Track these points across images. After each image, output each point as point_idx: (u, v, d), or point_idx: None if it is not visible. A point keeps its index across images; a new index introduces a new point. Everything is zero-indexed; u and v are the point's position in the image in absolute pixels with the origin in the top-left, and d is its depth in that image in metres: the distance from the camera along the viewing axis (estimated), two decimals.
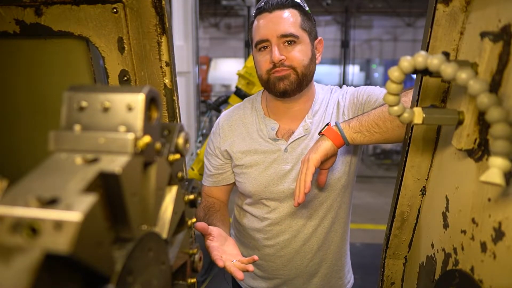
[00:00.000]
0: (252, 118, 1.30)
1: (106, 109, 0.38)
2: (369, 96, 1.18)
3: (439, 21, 0.67)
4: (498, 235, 0.53)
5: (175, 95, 0.85)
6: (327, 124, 1.06)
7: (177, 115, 0.86)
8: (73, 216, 0.27)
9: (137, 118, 0.38)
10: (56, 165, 0.34)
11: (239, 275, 0.92)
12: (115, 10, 0.79)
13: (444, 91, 0.72)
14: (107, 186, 0.34)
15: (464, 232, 0.64)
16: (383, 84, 1.97)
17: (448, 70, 0.52)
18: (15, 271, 0.26)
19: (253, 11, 1.25)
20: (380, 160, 8.39)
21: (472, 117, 0.58)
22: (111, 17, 0.80)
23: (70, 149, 0.37)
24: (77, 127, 0.38)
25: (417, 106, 0.74)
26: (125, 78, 0.85)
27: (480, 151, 0.59)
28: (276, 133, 1.24)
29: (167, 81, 0.83)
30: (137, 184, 0.38)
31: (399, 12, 11.73)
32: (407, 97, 0.90)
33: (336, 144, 1.02)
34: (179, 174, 0.51)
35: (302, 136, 1.22)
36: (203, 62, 9.16)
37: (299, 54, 1.14)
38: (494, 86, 0.54)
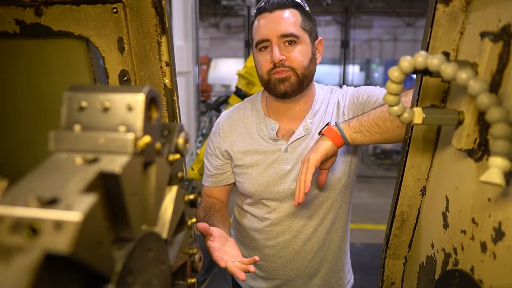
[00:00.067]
0: (252, 118, 1.30)
1: (106, 109, 0.38)
2: (369, 96, 1.18)
3: (439, 21, 0.67)
4: (498, 235, 0.53)
5: (175, 95, 0.85)
6: (327, 124, 1.06)
7: (177, 115, 0.86)
8: (73, 216, 0.27)
9: (137, 118, 0.38)
10: (56, 165, 0.34)
11: (241, 275, 0.92)
12: (115, 10, 0.79)
13: (444, 91, 0.72)
14: (107, 186, 0.34)
15: (464, 232, 0.64)
16: (383, 84, 1.97)
17: (448, 70, 0.52)
18: (15, 271, 0.26)
19: (253, 11, 1.25)
20: (380, 160, 8.39)
21: (472, 117, 0.58)
22: (111, 17, 0.80)
23: (70, 149, 0.37)
24: (77, 127, 0.38)
25: (417, 106, 0.74)
26: (125, 78, 0.85)
27: (480, 151, 0.59)
28: (276, 133, 1.24)
29: (167, 81, 0.83)
30: (137, 184, 0.38)
31: (399, 12, 11.73)
32: (407, 97, 0.90)
33: (336, 144, 1.02)
34: (179, 174, 0.51)
35: (302, 136, 1.22)
36: (203, 62, 9.16)
37: (299, 55, 1.14)
38: (494, 86, 0.54)
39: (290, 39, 1.13)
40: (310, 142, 1.20)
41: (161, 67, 0.82)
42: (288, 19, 1.13)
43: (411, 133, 0.79)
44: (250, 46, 1.28)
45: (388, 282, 0.98)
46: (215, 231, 1.05)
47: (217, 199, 1.35)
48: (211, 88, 11.33)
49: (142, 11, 0.78)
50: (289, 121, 1.25)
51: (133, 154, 0.36)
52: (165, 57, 0.81)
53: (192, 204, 0.55)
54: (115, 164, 0.34)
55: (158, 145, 0.42)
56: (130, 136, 0.37)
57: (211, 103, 3.69)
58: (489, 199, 0.56)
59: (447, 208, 0.71)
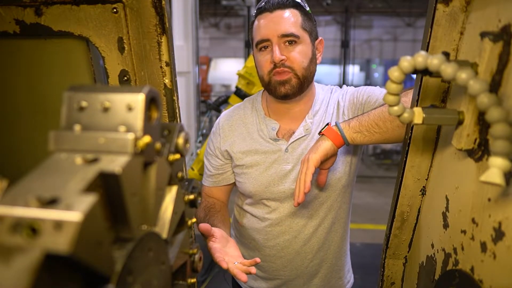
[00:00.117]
0: (253, 118, 1.30)
1: (106, 109, 0.38)
2: (369, 96, 1.18)
3: (439, 21, 0.67)
4: (498, 235, 0.53)
5: (175, 95, 0.85)
6: (327, 124, 1.06)
7: (177, 115, 0.86)
8: (73, 216, 0.27)
9: (137, 118, 0.38)
10: (56, 165, 0.34)
11: (242, 277, 0.92)
12: (115, 10, 0.79)
13: (444, 91, 0.72)
14: (107, 186, 0.34)
15: (464, 232, 0.64)
16: (383, 84, 1.97)
17: (448, 70, 0.52)
18: (15, 271, 0.26)
19: (253, 11, 1.25)
20: (380, 160, 8.39)
21: (472, 117, 0.58)
22: (111, 17, 0.80)
23: (70, 149, 0.37)
24: (77, 127, 0.38)
25: (417, 106, 0.74)
26: (125, 78, 0.85)
27: (480, 151, 0.59)
28: (276, 133, 1.24)
29: (167, 81, 0.83)
30: (137, 184, 0.38)
31: (399, 12, 11.73)
32: (407, 97, 0.90)
33: (336, 144, 1.02)
34: (179, 174, 0.51)
35: (302, 136, 1.22)
36: (203, 62, 9.16)
37: (299, 55, 1.14)
38: (494, 86, 0.54)
39: (291, 39, 1.13)
40: (311, 142, 1.20)
41: (161, 67, 0.82)
42: (289, 19, 1.13)
43: (411, 133, 0.79)
44: (250, 46, 1.28)
45: (388, 282, 0.98)
46: (217, 232, 1.05)
47: (217, 199, 1.35)
48: (211, 88, 11.33)
49: (142, 11, 0.78)
50: (289, 121, 1.25)
51: (133, 154, 0.36)
52: (165, 57, 0.81)
53: (192, 204, 0.55)
54: (115, 164, 0.34)
55: (158, 145, 0.42)
56: (130, 136, 0.37)
57: (211, 103, 3.69)
58: (489, 199, 0.56)
59: (447, 208, 0.71)
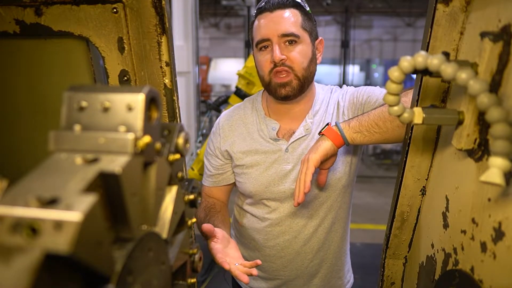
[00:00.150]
0: (253, 118, 1.30)
1: (106, 109, 0.38)
2: (369, 96, 1.18)
3: (439, 21, 0.67)
4: (498, 235, 0.53)
5: (175, 95, 0.85)
6: (327, 124, 1.06)
7: (177, 115, 0.86)
8: (73, 216, 0.27)
9: (137, 118, 0.38)
10: (56, 165, 0.34)
11: (244, 279, 0.92)
12: (115, 10, 0.79)
13: (444, 91, 0.72)
14: (107, 186, 0.34)
15: (464, 232, 0.64)
16: (383, 84, 1.97)
17: (448, 70, 0.52)
18: (15, 271, 0.26)
19: (253, 11, 1.25)
20: (380, 160, 8.39)
21: (472, 117, 0.58)
22: (111, 17, 0.80)
23: (70, 149, 0.37)
24: (77, 127, 0.38)
25: (417, 106, 0.74)
26: (125, 78, 0.85)
27: (480, 151, 0.59)
28: (276, 133, 1.24)
29: (167, 81, 0.83)
30: (137, 184, 0.38)
31: (399, 12, 11.73)
32: (407, 97, 0.90)
33: (336, 144, 1.02)
34: (179, 174, 0.51)
35: (303, 136, 1.22)
36: (203, 62, 9.16)
37: (299, 55, 1.14)
38: (494, 86, 0.54)
39: (291, 39, 1.13)
40: (311, 142, 1.20)
41: (161, 67, 0.82)
42: (289, 19, 1.13)
43: (411, 133, 0.79)
44: (250, 46, 1.28)
45: (388, 282, 0.98)
46: (219, 232, 1.05)
47: (217, 199, 1.35)
48: (211, 88, 11.33)
49: (142, 11, 0.78)
50: (289, 121, 1.25)
51: (133, 154, 0.36)
52: (165, 57, 0.81)
53: (192, 204, 0.55)
54: (115, 164, 0.34)
55: (158, 145, 0.42)
56: (130, 136, 0.37)
57: (211, 103, 3.69)
58: (489, 199, 0.56)
59: (447, 208, 0.71)
